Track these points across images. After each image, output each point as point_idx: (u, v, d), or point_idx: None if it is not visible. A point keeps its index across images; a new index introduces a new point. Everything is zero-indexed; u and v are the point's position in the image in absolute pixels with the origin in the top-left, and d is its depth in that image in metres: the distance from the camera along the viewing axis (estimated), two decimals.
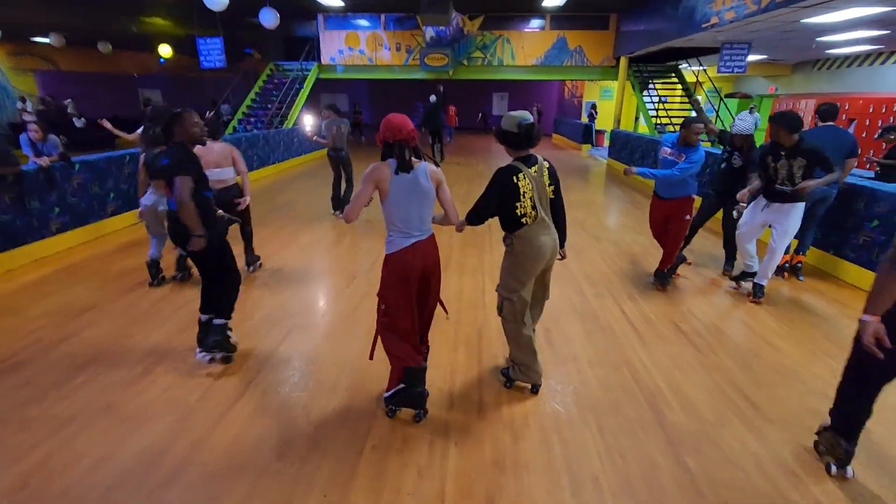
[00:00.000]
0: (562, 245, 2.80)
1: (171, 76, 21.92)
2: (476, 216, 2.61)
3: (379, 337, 2.57)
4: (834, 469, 2.28)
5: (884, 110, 10.72)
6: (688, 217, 4.20)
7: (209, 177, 2.99)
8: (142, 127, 4.22)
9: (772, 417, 2.67)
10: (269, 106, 12.21)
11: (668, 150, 4.17)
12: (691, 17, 8.54)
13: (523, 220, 2.55)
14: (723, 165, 4.55)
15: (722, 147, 4.72)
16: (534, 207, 2.55)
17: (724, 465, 2.30)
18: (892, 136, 5.21)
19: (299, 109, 12.86)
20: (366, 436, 2.46)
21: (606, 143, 13.70)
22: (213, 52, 9.72)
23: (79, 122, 14.88)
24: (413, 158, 2.35)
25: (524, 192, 2.52)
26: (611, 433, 2.52)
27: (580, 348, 3.36)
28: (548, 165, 2.65)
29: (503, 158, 2.54)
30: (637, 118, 16.14)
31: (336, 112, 6.55)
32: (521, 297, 2.68)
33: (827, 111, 4.54)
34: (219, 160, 3.92)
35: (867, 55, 11.82)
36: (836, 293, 4.40)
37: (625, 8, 12.00)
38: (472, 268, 4.87)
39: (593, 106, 17.34)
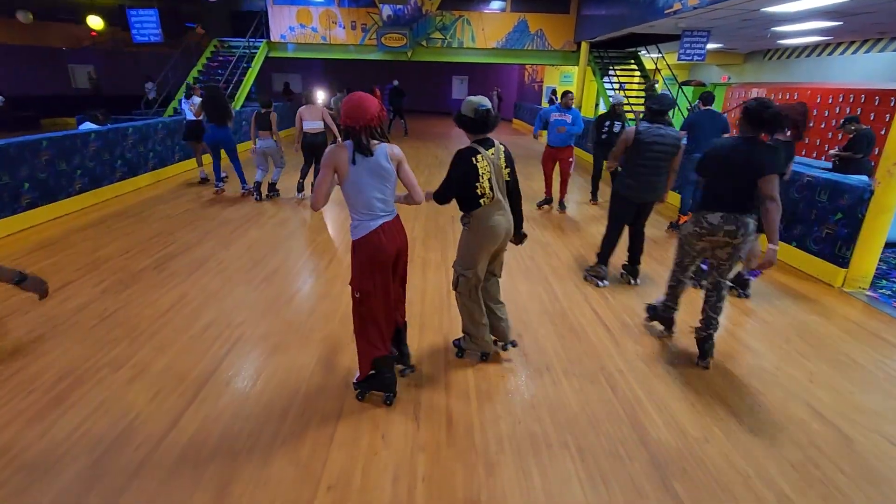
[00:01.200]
0: (519, 228, 2.92)
1: (106, 51, 20.14)
2: (441, 196, 2.74)
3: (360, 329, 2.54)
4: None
5: (830, 100, 11.09)
6: (571, 159, 6.54)
7: (306, 127, 6.27)
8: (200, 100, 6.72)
9: (755, 429, 2.53)
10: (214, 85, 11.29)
11: (556, 114, 6.32)
12: (653, 4, 8.42)
13: (481, 200, 2.67)
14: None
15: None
16: (491, 188, 2.67)
17: (713, 489, 2.13)
18: (853, 128, 5.25)
19: (248, 89, 12.01)
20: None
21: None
22: (147, 24, 8.80)
23: None
24: (373, 141, 2.32)
25: (482, 173, 2.63)
26: (591, 456, 2.31)
27: (554, 356, 3.14)
28: (504, 149, 2.77)
29: (461, 142, 2.27)
30: (597, 104, 16.12)
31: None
32: (475, 274, 2.81)
33: (707, 97, 5.49)
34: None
35: (816, 46, 12.17)
36: (802, 287, 4.39)
37: None
38: (435, 263, 4.57)
39: (553, 91, 17.20)
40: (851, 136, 5.27)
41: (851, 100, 10.54)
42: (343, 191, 2.36)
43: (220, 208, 6.28)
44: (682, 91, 12.98)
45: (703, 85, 16.58)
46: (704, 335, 3.08)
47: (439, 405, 2.62)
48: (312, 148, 6.44)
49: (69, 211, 5.82)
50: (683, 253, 3.19)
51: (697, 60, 9.24)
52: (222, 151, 6.76)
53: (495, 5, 12.98)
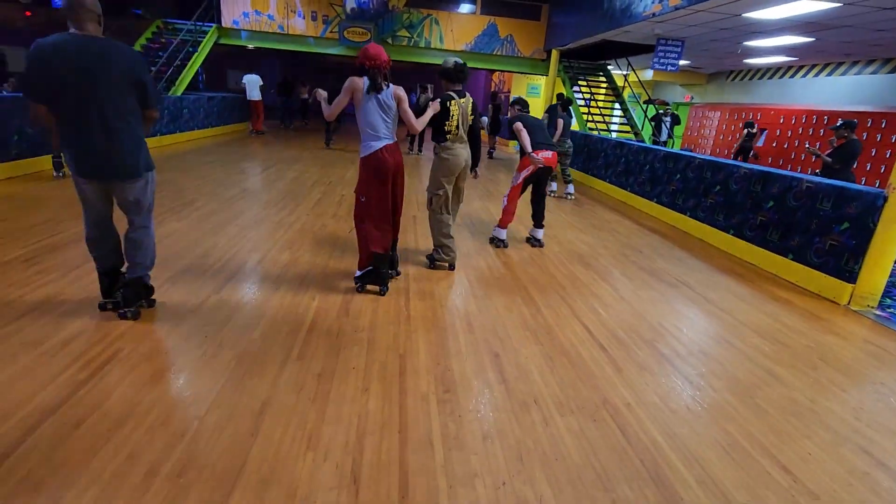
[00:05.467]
0: (475, 164, 3.78)
1: (35, 31, 18.30)
2: (420, 125, 3.26)
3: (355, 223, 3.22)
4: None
5: (794, 121, 11.17)
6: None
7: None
8: None
9: (812, 488, 1.89)
10: (152, 69, 10.11)
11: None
12: (629, 9, 8.09)
13: (448, 135, 3.50)
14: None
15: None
16: (457, 127, 3.50)
17: None
18: (846, 134, 4.90)
19: (190, 77, 10.89)
20: None
21: None
22: None
23: None
24: (382, 82, 2.98)
25: (453, 115, 3.45)
26: None
27: (542, 384, 2.42)
28: (472, 101, 3.60)
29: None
30: None
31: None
32: (444, 192, 3.60)
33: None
34: None
35: (778, 68, 12.35)
36: (806, 304, 3.90)
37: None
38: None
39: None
40: (843, 140, 4.93)
41: (815, 120, 10.62)
42: (357, 116, 3.05)
43: None
44: (643, 108, 12.90)
45: (667, 104, 16.69)
46: None
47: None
48: None
49: None
50: None
51: (671, 70, 8.99)
52: None
53: (465, 7, 12.49)
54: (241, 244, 4.08)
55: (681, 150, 9.96)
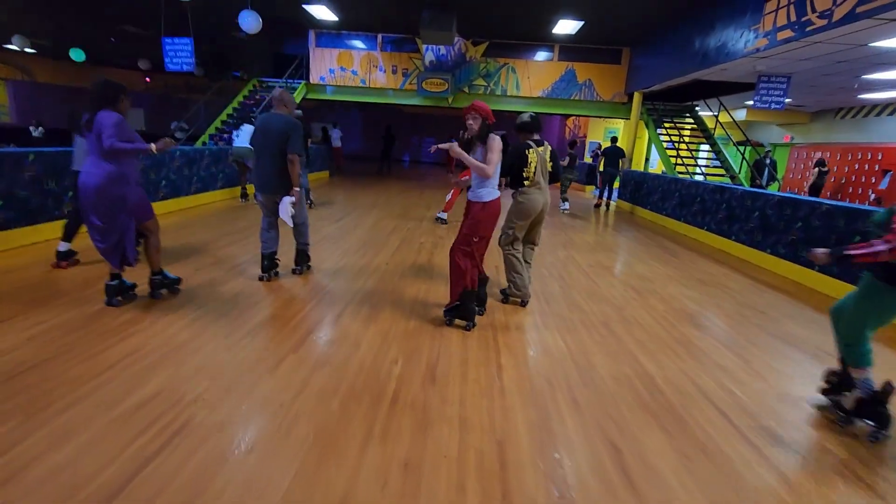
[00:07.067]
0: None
1: (157, 95, 20.76)
2: (511, 178, 3.74)
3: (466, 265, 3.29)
4: None
5: None
6: None
7: None
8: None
9: None
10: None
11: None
12: (724, 46, 7.55)
13: (526, 181, 3.70)
14: None
15: None
16: (534, 174, 3.69)
17: None
18: None
19: None
20: None
21: (616, 184, 12.59)
22: (181, 53, 8.45)
23: (36, 132, 13.49)
24: None
25: (531, 161, 3.68)
26: None
27: (681, 489, 1.90)
28: (551, 149, 3.83)
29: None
30: (647, 158, 15.16)
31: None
32: (514, 232, 3.83)
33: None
34: None
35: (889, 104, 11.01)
36: None
37: (639, 41, 11.17)
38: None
39: (599, 146, 16.41)
40: None
41: None
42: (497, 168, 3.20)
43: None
44: (739, 150, 11.95)
45: (761, 145, 15.47)
46: None
47: None
48: None
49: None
50: None
51: (776, 108, 8.21)
52: None
53: (542, 54, 12.47)
54: (321, 296, 3.92)
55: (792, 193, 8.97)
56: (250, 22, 8.89)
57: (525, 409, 2.44)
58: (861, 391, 2.37)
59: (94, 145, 3.04)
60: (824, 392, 2.62)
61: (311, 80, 12.68)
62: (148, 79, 20.58)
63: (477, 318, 3.55)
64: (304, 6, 10.07)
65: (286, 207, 3.74)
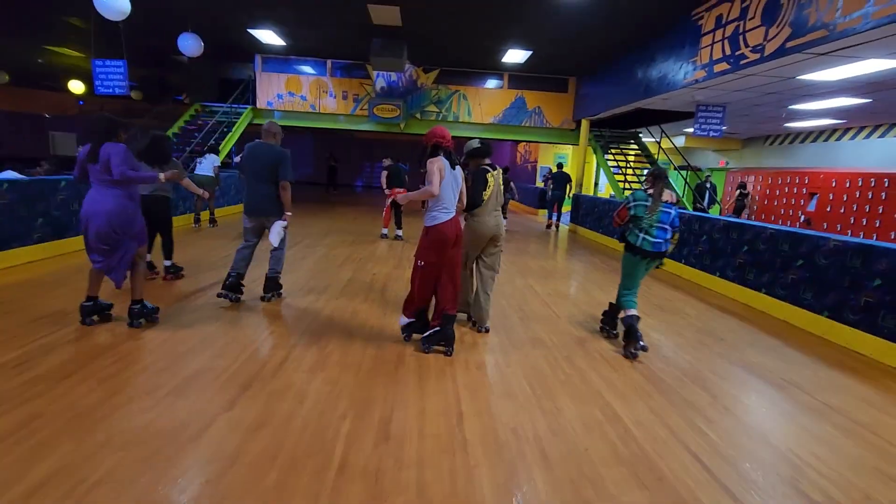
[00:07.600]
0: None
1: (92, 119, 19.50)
2: (470, 202, 3.70)
3: (415, 287, 3.46)
4: None
5: (848, 184, 10.51)
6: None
7: None
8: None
9: None
10: (185, 148, 10.30)
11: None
12: (665, 77, 7.87)
13: (479, 205, 3.73)
14: None
15: None
16: (489, 199, 3.74)
17: None
18: None
19: (224, 155, 11.05)
20: None
21: (566, 208, 12.83)
22: (112, 76, 7.87)
23: None
24: (455, 159, 3.39)
25: (489, 185, 3.73)
26: None
27: None
28: (502, 173, 3.91)
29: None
30: (597, 183, 15.60)
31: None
32: (466, 254, 3.83)
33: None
34: None
35: (822, 132, 11.89)
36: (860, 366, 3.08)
37: (585, 71, 11.55)
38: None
39: (550, 171, 16.78)
40: None
41: (873, 184, 9.94)
42: (440, 190, 3.26)
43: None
44: (681, 174, 12.49)
45: (700, 170, 16.31)
46: None
47: None
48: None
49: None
50: None
51: (714, 136, 8.61)
52: None
53: (492, 82, 12.66)
54: (263, 338, 3.56)
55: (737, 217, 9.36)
56: (191, 45, 8.48)
57: (491, 467, 2.19)
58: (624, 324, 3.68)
59: (100, 175, 3.22)
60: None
61: (258, 105, 12.25)
62: (81, 102, 19.39)
63: (434, 358, 3.31)
64: (250, 30, 9.75)
65: (278, 229, 4.05)
